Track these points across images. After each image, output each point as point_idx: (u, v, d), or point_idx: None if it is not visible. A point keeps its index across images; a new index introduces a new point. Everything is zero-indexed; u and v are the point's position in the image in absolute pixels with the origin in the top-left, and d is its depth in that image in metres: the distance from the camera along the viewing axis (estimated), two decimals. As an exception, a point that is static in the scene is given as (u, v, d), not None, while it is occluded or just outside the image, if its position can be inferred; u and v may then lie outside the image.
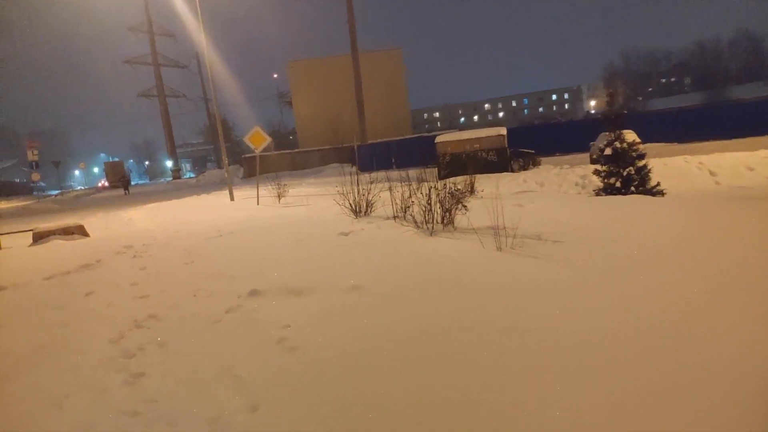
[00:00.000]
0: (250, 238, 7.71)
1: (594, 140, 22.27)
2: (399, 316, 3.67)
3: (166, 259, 6.85)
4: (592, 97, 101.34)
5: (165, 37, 53.17)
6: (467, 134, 19.45)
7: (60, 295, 5.48)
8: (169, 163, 61.45)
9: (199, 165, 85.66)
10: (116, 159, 68.16)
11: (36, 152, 30.26)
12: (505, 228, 5.83)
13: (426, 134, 32.31)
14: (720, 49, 78.75)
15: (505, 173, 18.14)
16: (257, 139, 13.99)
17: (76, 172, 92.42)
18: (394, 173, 23.94)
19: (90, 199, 34.42)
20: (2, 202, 39.06)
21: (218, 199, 17.94)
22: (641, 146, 12.83)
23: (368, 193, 8.85)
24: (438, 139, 19.46)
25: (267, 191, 18.46)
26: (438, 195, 6.93)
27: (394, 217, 7.85)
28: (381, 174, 26.17)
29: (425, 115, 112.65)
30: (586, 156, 22.74)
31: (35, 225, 17.12)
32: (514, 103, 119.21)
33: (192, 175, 68.45)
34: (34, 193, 37.88)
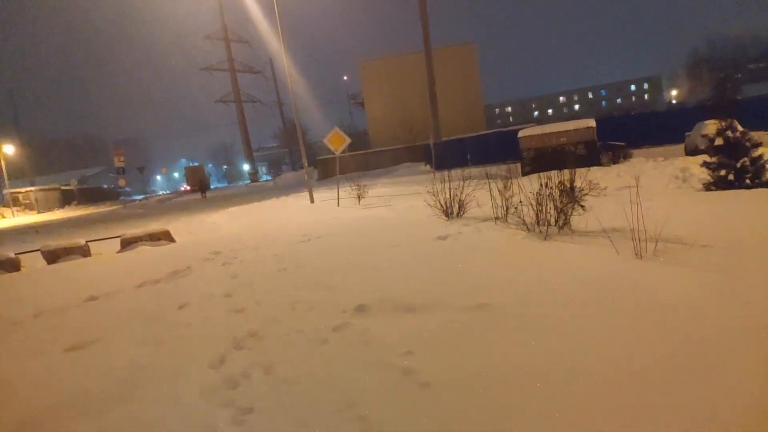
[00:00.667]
0: (341, 243, 7.29)
1: (689, 130, 20.45)
2: (542, 346, 3.01)
3: (258, 266, 6.53)
4: (673, 86, 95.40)
5: (240, 43, 54.80)
6: (552, 128, 18.33)
7: (153, 306, 5.24)
8: (246, 167, 63.38)
9: (275, 168, 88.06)
10: (195, 164, 71.29)
11: (122, 159, 31.83)
12: (633, 230, 5.02)
13: (503, 129, 31.20)
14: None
15: (595, 167, 16.90)
16: (336, 141, 13.69)
17: (158, 177, 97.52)
18: (473, 170, 23.04)
19: (172, 203, 35.84)
20: (91, 208, 41.58)
21: (298, 201, 17.87)
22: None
23: (460, 192, 8.19)
24: (521, 134, 18.47)
25: (345, 192, 18.23)
26: (551, 192, 6.17)
27: (494, 219, 7.16)
28: (458, 172, 25.50)
29: (497, 110, 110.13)
30: (677, 148, 20.93)
31: (123, 230, 17.77)
32: (590, 95, 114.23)
33: (268, 177, 70.31)
34: (121, 198, 40.04)
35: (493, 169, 24.03)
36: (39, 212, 42.38)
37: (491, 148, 29.63)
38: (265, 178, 68.13)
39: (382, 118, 39.25)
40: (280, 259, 6.73)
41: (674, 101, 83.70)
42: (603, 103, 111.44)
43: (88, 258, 10.47)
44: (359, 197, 14.16)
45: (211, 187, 54.87)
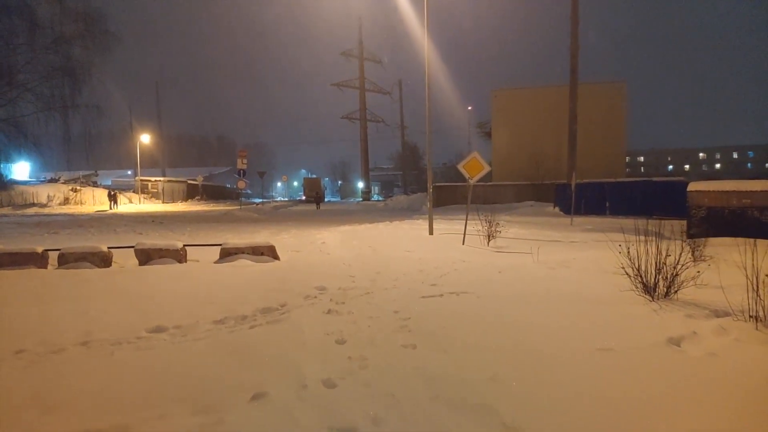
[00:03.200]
0: (489, 312, 5.15)
1: None
2: None
3: (373, 328, 4.60)
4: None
5: (373, 62, 55.05)
6: (733, 185, 14.91)
7: (218, 377, 3.45)
8: (360, 185, 63.41)
9: (386, 189, 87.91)
10: (314, 176, 72.76)
11: (245, 161, 32.10)
12: None
13: (653, 179, 27.42)
14: None
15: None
16: (474, 167, 11.65)
17: (279, 184, 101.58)
18: (619, 221, 19.68)
19: (287, 211, 35.82)
20: (212, 204, 43.00)
21: (414, 229, 16.00)
22: None
23: (664, 258, 5.61)
24: (693, 187, 15.23)
25: (460, 225, 16.06)
26: None
27: (750, 317, 4.39)
28: (593, 219, 22.33)
29: (627, 158, 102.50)
30: None
31: (232, 232, 17.14)
32: (735, 155, 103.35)
33: (379, 198, 70.02)
34: (241, 199, 40.90)
35: (640, 222, 20.70)
36: (164, 202, 44.68)
37: (635, 199, 25.99)
38: (375, 197, 67.86)
39: (509, 150, 36.69)
40: (403, 322, 4.75)
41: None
42: (749, 165, 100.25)
43: (181, 265, 9.25)
44: (489, 236, 11.94)
45: (325, 199, 55.24)
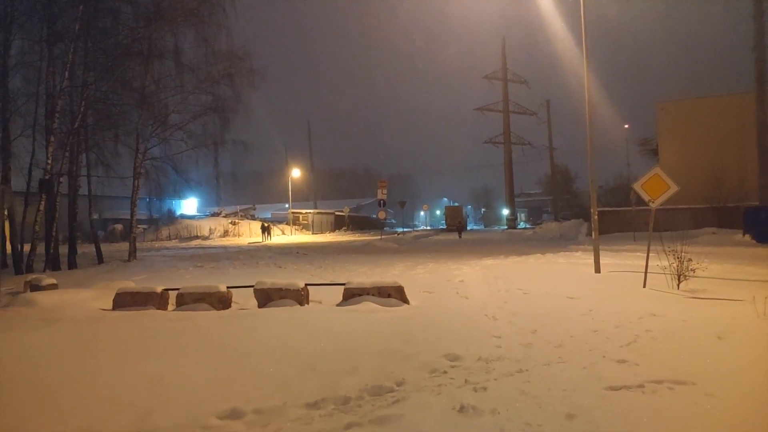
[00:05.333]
0: None
1: None
2: None
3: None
4: None
5: (517, 83, 52.53)
6: None
7: None
8: (505, 211, 60.40)
9: (534, 215, 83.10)
10: (455, 204, 71.11)
11: (385, 191, 31.59)
12: None
13: None
14: None
15: None
16: (656, 187, 9.09)
17: (421, 213, 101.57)
18: None
19: (427, 241, 34.56)
20: (357, 234, 43.33)
21: (573, 265, 13.53)
22: None
23: None
24: None
25: (624, 258, 13.15)
26: None
27: None
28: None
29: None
30: None
31: (369, 265, 16.05)
32: None
33: (526, 225, 66.11)
34: (385, 228, 40.64)
35: None
36: (313, 233, 46.16)
37: None
38: (522, 225, 64.10)
39: (681, 169, 31.56)
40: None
41: None
42: None
43: (299, 309, 8.13)
44: (679, 276, 9.20)
45: (467, 228, 53.20)
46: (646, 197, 9.39)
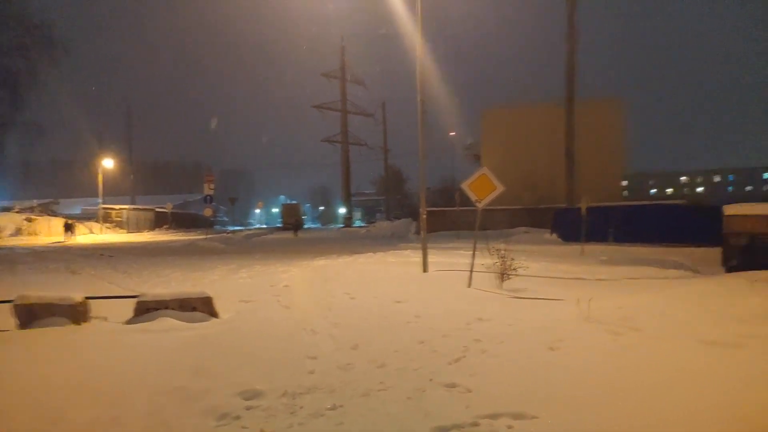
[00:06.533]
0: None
1: None
2: None
3: None
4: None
5: (356, 84, 52.87)
6: (785, 207, 12.60)
7: None
8: (342, 210, 60.70)
9: (369, 215, 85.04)
10: (294, 201, 69.77)
11: (212, 186, 29.27)
12: None
13: (666, 202, 25.21)
14: None
15: None
16: (483, 187, 9.02)
17: (257, 211, 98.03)
18: (623, 250, 16.80)
19: (260, 240, 32.86)
20: (180, 233, 39.77)
21: (402, 264, 13.27)
22: None
23: None
24: (731, 211, 12.86)
25: (445, 257, 13.40)
26: None
27: None
28: (602, 248, 19.78)
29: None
30: None
31: (185, 270, 14.02)
32: (717, 179, 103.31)
33: (362, 223, 67.23)
34: (216, 227, 37.85)
35: (653, 252, 18.05)
36: (129, 231, 41.40)
37: (646, 224, 23.61)
38: (358, 223, 65.07)
39: (500, 173, 34.07)
40: None
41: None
42: (729, 188, 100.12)
43: (74, 330, 6.41)
44: (503, 275, 9.25)
45: (305, 226, 52.24)
46: (473, 197, 9.28)
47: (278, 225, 57.86)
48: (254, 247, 25.68)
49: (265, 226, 68.37)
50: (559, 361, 4.42)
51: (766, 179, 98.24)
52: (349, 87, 52.78)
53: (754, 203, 15.10)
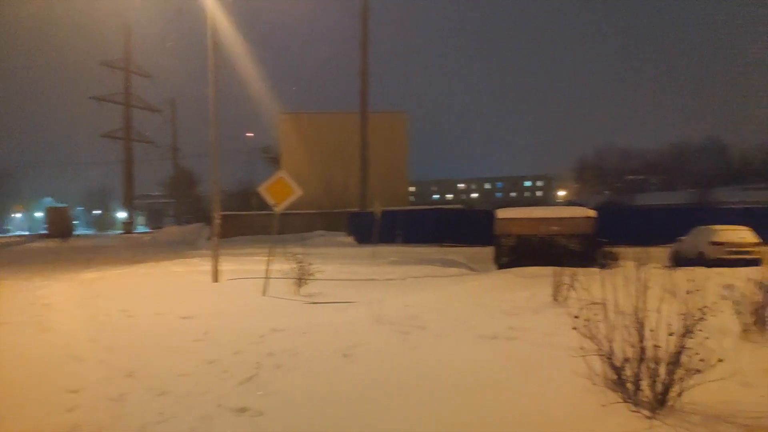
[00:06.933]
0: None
1: (680, 234, 17.75)
2: None
3: None
4: (561, 186, 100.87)
5: (142, 77, 48.05)
6: (543, 212, 14.80)
7: None
8: (121, 215, 54.62)
9: (155, 219, 77.98)
10: (63, 204, 60.64)
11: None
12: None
13: (445, 207, 27.89)
14: (689, 152, 78.60)
15: (591, 269, 13.27)
16: (281, 191, 8.72)
17: (18, 215, 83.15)
18: (409, 250, 18.21)
19: (21, 249, 27.80)
20: None
21: (190, 274, 12.30)
22: None
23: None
24: (501, 215, 14.67)
25: (244, 263, 12.91)
26: None
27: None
28: (392, 249, 21.08)
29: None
30: (659, 251, 18.04)
31: None
32: (488, 186, 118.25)
33: (145, 229, 61.40)
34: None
35: (436, 251, 19.83)
36: None
37: (427, 227, 25.95)
38: (140, 229, 59.24)
39: (297, 177, 34.28)
40: None
41: (560, 201, 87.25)
42: (498, 194, 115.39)
43: None
44: (300, 281, 9.10)
45: (75, 233, 45.46)
46: (271, 201, 8.98)
47: (43, 232, 49.64)
48: (12, 258, 21.52)
49: (27, 233, 58.19)
50: (353, 368, 4.40)
51: (526, 186, 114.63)
52: (137, 81, 47.87)
53: (521, 207, 17.57)
